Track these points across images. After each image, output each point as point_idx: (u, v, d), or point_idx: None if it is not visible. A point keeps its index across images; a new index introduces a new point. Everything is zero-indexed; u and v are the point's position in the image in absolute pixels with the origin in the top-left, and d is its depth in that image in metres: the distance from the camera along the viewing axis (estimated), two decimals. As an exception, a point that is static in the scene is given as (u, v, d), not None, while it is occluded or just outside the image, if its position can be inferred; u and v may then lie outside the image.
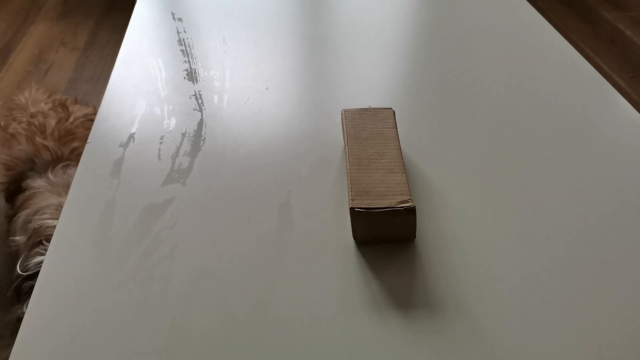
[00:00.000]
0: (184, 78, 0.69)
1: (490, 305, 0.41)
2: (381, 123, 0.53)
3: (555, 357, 0.38)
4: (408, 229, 0.45)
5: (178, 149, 0.57)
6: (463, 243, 0.46)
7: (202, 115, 0.62)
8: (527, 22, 0.79)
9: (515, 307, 0.41)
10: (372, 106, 0.63)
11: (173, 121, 0.61)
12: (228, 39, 0.77)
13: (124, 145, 0.58)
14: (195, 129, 0.60)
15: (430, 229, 0.48)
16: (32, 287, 0.98)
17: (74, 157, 1.21)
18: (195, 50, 0.74)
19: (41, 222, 1.02)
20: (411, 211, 0.43)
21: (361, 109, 0.55)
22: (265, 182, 0.53)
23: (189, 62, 0.72)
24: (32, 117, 1.27)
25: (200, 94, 0.66)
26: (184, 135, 0.59)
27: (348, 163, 0.48)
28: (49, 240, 0.97)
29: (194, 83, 0.68)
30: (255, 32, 0.79)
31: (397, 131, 0.52)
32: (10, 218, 1.16)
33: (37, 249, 0.99)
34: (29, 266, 0.98)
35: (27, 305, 1.00)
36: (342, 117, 0.54)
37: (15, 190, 1.20)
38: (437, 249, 0.46)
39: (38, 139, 1.20)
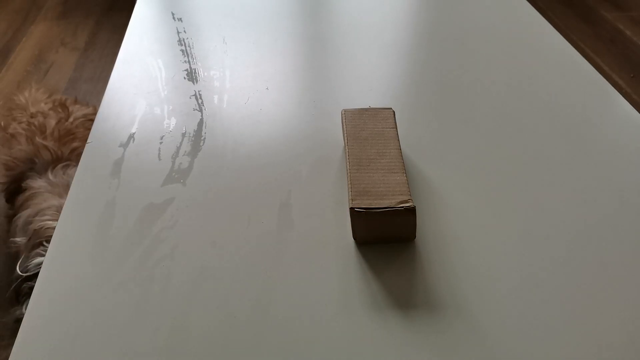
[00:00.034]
0: (184, 78, 0.69)
1: (490, 305, 0.41)
2: (381, 123, 0.53)
3: (555, 357, 0.38)
4: (408, 229, 0.45)
5: (178, 149, 0.57)
6: (463, 243, 0.46)
7: (202, 115, 0.62)
8: (527, 22, 0.79)
9: (515, 307, 0.41)
10: (372, 106, 0.63)
11: (173, 121, 0.61)
12: (228, 39, 0.77)
13: (124, 145, 0.58)
14: (195, 129, 0.60)
15: (430, 229, 0.48)
16: (31, 288, 0.98)
17: (74, 157, 1.21)
18: (195, 50, 0.74)
19: (41, 223, 1.02)
20: (411, 211, 0.43)
21: (361, 109, 0.55)
22: (265, 182, 0.53)
23: (189, 62, 0.72)
24: (32, 117, 1.27)
25: (200, 94, 0.66)
26: (184, 135, 0.59)
27: (348, 163, 0.48)
28: (49, 242, 0.97)
29: (194, 83, 0.68)
30: (255, 32, 0.79)
31: (397, 131, 0.52)
32: (10, 218, 1.16)
33: (37, 250, 0.99)
34: (29, 267, 0.98)
35: (26, 306, 1.00)
36: (342, 117, 0.54)
37: (15, 190, 1.20)
38: (437, 249, 0.46)
39: (38, 139, 1.20)
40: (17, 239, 1.06)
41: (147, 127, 0.60)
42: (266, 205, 0.50)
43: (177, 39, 0.77)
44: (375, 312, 0.41)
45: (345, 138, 0.51)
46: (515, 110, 0.61)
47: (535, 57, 0.71)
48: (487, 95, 0.64)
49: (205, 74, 0.69)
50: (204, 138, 0.59)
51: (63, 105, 1.32)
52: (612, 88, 0.64)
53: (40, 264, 0.97)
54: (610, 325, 0.40)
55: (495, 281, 0.43)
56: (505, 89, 0.65)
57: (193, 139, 0.59)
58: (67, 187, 1.12)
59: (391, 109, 0.54)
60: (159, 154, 0.57)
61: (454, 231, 0.47)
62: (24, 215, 1.07)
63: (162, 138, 0.59)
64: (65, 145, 1.22)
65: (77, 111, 1.31)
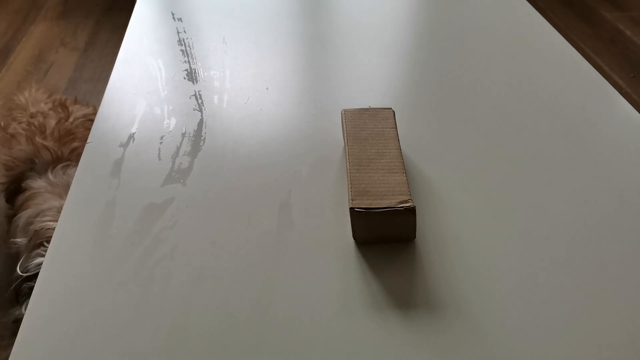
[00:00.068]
0: (184, 78, 0.69)
1: (490, 305, 0.41)
2: (381, 123, 0.53)
3: (555, 357, 0.38)
4: (408, 229, 0.45)
5: (178, 149, 0.57)
6: (463, 243, 0.46)
7: (202, 115, 0.62)
8: (527, 22, 0.79)
9: (515, 307, 0.41)
10: (372, 106, 0.63)
11: (173, 121, 0.61)
12: (228, 39, 0.77)
13: (124, 145, 0.58)
14: (195, 129, 0.60)
15: (430, 229, 0.48)
16: (31, 289, 0.98)
17: (74, 157, 1.21)
18: (195, 50, 0.74)
19: (42, 224, 1.02)
20: (411, 211, 0.43)
21: (361, 109, 0.55)
22: (265, 182, 0.53)
23: (189, 62, 0.72)
24: (32, 117, 1.27)
25: (200, 94, 0.66)
26: (184, 135, 0.59)
27: (348, 163, 0.48)
28: (50, 242, 0.97)
29: (194, 83, 0.68)
30: (255, 32, 0.79)
31: (397, 131, 0.52)
32: (10, 218, 1.16)
33: (38, 250, 0.99)
34: (29, 267, 0.98)
35: (25, 306, 1.00)
36: (342, 117, 0.54)
37: (15, 190, 1.20)
38: (437, 249, 0.46)
39: (38, 139, 1.20)
40: (18, 240, 1.06)
41: (147, 127, 0.60)
42: (266, 205, 0.50)
43: (177, 39, 0.77)
44: (375, 312, 0.41)
45: (345, 138, 0.51)
46: (515, 110, 0.61)
47: (535, 57, 0.71)
48: (487, 95, 0.64)
49: (205, 74, 0.69)
50: (204, 138, 0.59)
51: (63, 105, 1.32)
52: (612, 88, 0.64)
53: (41, 264, 0.97)
54: (610, 325, 0.40)
55: (495, 281, 0.43)
56: (505, 89, 0.65)
57: (193, 139, 0.59)
58: (67, 187, 1.11)
59: (391, 109, 0.54)
60: (159, 154, 0.57)
61: (454, 231, 0.47)
62: (24, 215, 1.07)
63: (162, 138, 0.59)
64: (65, 145, 1.22)
65: (77, 111, 1.31)
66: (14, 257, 1.08)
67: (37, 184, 1.13)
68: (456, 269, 0.44)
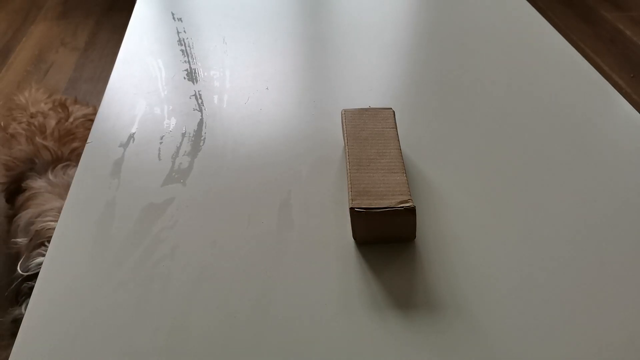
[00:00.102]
0: (184, 78, 0.69)
1: (490, 305, 0.41)
2: (381, 123, 0.53)
3: (555, 357, 0.38)
4: (408, 229, 0.45)
5: (178, 149, 0.57)
6: (463, 243, 0.46)
7: (202, 115, 0.62)
8: (527, 22, 0.79)
9: (515, 307, 0.41)
10: (372, 106, 0.63)
11: (173, 121, 0.61)
12: (228, 39, 0.77)
13: (124, 145, 0.58)
14: (195, 129, 0.60)
15: (430, 229, 0.48)
16: (31, 288, 0.98)
17: (74, 157, 1.21)
18: (195, 50, 0.74)
19: (43, 224, 1.02)
20: (411, 211, 0.43)
21: (361, 109, 0.55)
22: (265, 182, 0.53)
23: (189, 62, 0.72)
24: (32, 117, 1.27)
25: (200, 94, 0.66)
26: (184, 135, 0.59)
27: (348, 163, 0.48)
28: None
29: (194, 83, 0.68)
30: (255, 32, 0.79)
31: (397, 131, 0.52)
32: (10, 218, 1.16)
33: (39, 250, 0.99)
34: (30, 267, 0.98)
35: (25, 306, 1.00)
36: (342, 117, 0.54)
37: (15, 190, 1.20)
38: (437, 249, 0.46)
39: (38, 139, 1.20)
40: (18, 240, 1.06)
41: (147, 127, 0.60)
42: (266, 205, 0.50)
43: (177, 39, 0.77)
44: (375, 312, 0.41)
45: (345, 138, 0.51)
46: (515, 111, 0.61)
47: (535, 57, 0.71)
48: (487, 95, 0.64)
49: (205, 74, 0.69)
50: (204, 138, 0.59)
51: (63, 105, 1.32)
52: (612, 88, 0.64)
53: (42, 263, 0.97)
54: (610, 325, 0.40)
55: (495, 281, 0.43)
56: (505, 89, 0.65)
57: (193, 139, 0.59)
58: (67, 187, 1.11)
59: (391, 109, 0.54)
60: (159, 154, 0.57)
61: (454, 231, 0.47)
62: (25, 215, 1.07)
63: (162, 138, 0.59)
64: (65, 145, 1.22)
65: (77, 111, 1.31)
66: (14, 257, 1.08)
67: (37, 184, 1.13)
68: (456, 269, 0.44)
